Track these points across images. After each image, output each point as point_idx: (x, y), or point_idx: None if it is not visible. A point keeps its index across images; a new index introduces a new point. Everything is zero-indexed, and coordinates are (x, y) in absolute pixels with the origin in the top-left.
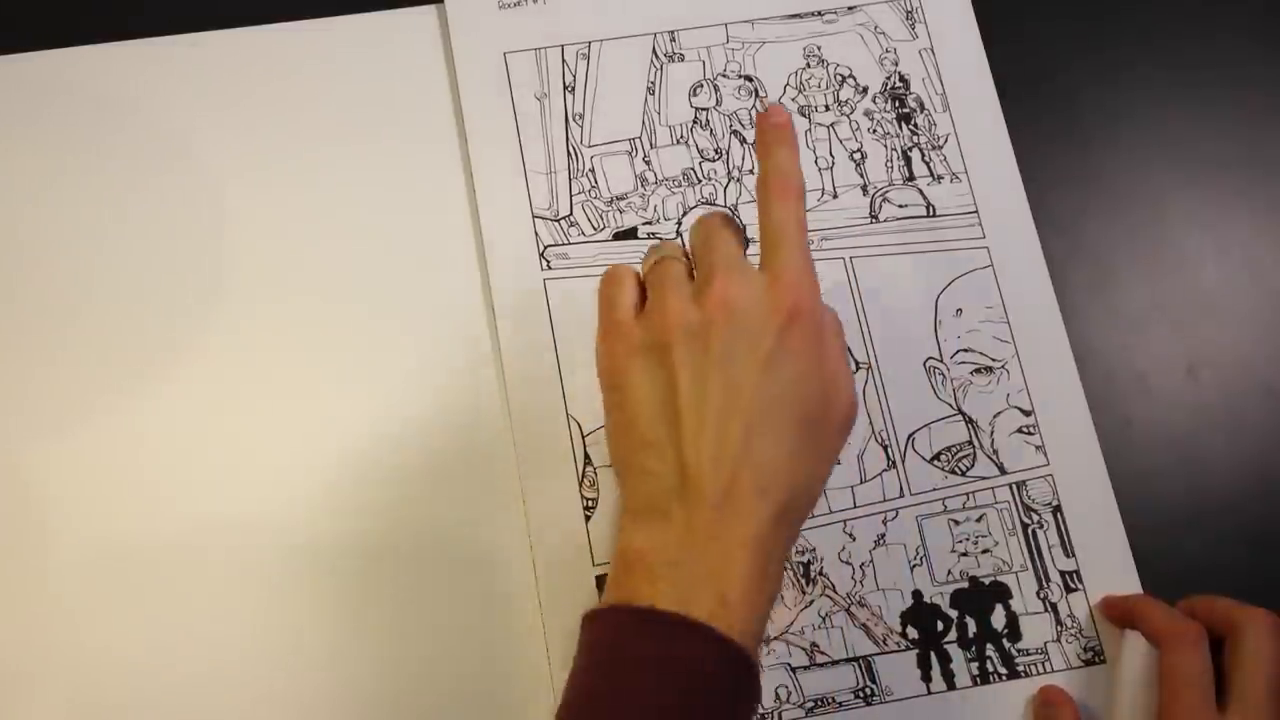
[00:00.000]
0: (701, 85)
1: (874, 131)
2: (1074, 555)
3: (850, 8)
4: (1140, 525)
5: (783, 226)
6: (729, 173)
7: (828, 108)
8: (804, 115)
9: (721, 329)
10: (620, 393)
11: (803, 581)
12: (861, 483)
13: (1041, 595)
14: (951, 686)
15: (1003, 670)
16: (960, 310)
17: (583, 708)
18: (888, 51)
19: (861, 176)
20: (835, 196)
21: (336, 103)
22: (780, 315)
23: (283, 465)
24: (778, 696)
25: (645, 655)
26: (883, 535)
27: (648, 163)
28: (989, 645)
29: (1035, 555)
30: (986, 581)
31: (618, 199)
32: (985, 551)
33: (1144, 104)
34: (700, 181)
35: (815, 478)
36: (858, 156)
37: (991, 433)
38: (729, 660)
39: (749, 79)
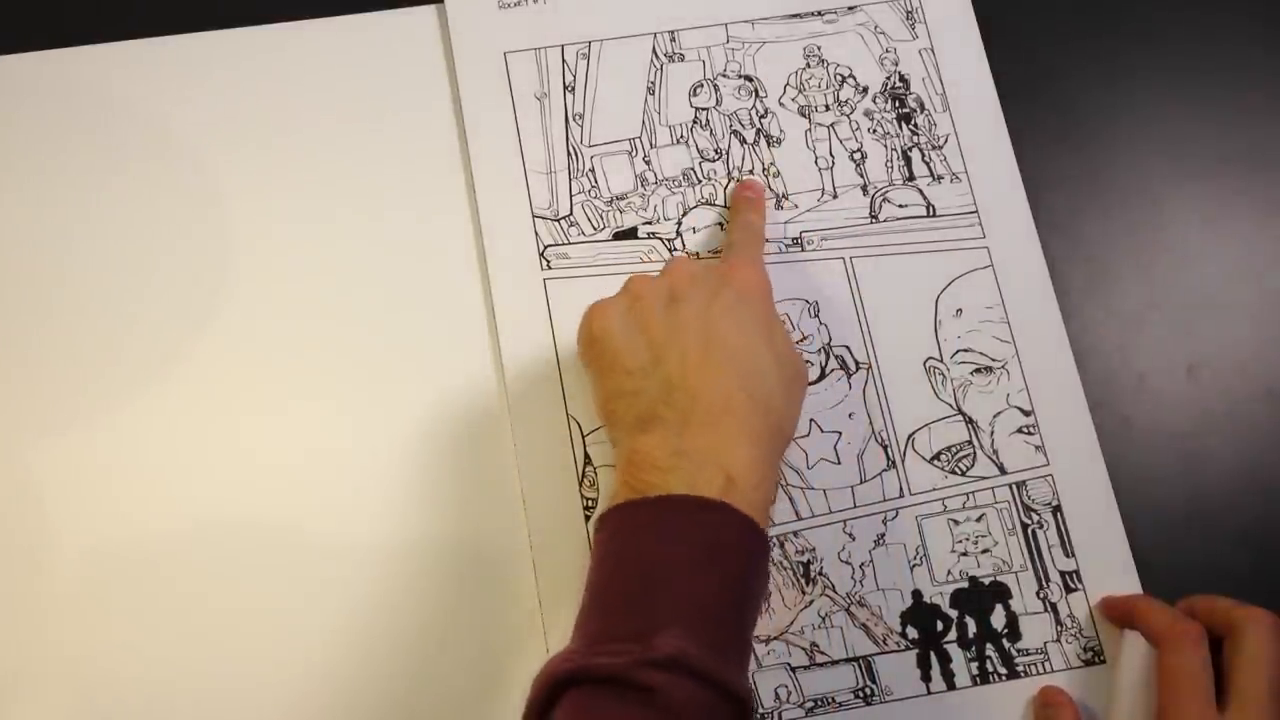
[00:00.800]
0: (701, 85)
1: (874, 131)
2: (1074, 555)
3: (850, 8)
4: (1140, 525)
5: (738, 231)
6: (729, 173)
7: (828, 108)
8: (804, 115)
9: (683, 281)
10: (600, 343)
11: (803, 581)
12: (861, 483)
13: (1041, 595)
14: (951, 686)
15: (1002, 670)
16: (960, 310)
17: (607, 578)
18: (888, 51)
19: (861, 176)
20: (835, 196)
21: (336, 103)
22: (734, 279)
23: (283, 466)
24: (778, 696)
25: (665, 532)
26: (883, 535)
27: (648, 163)
28: (989, 645)
29: (1035, 555)
30: (986, 581)
31: (618, 199)
32: (985, 551)
33: (1144, 104)
34: (700, 181)
35: (789, 397)
36: (858, 156)
37: (991, 433)
38: (743, 529)
39: (749, 79)
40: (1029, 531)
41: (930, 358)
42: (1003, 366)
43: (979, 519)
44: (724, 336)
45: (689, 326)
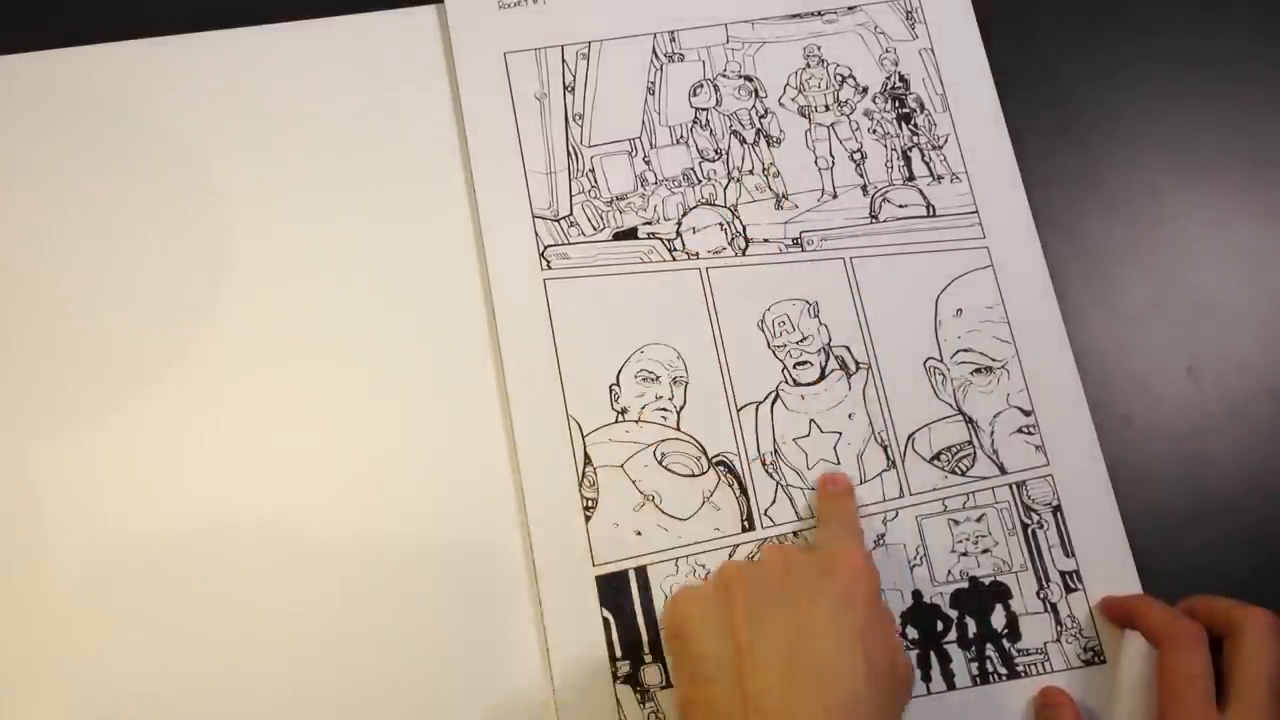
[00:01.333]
0: (701, 85)
1: (874, 131)
2: (1074, 555)
3: (850, 8)
4: (1140, 525)
5: (833, 518)
6: (729, 173)
7: (828, 108)
8: (804, 115)
9: (779, 575)
10: (683, 639)
11: None
12: (861, 483)
13: (1041, 595)
14: (951, 686)
15: (1003, 670)
16: (960, 310)
17: None
18: (888, 51)
19: (861, 176)
20: (835, 196)
21: (336, 103)
22: (836, 571)
23: (283, 466)
24: None
25: None
26: (883, 535)
27: (648, 163)
28: (989, 645)
29: (1035, 555)
30: (986, 581)
31: (618, 199)
32: (985, 551)
33: (1144, 103)
34: (700, 181)
35: (885, 714)
36: (858, 156)
37: (991, 433)
38: None
39: (749, 79)
40: (1029, 531)
41: (930, 358)
42: (1003, 366)
43: (979, 519)
44: (817, 652)
45: (778, 635)
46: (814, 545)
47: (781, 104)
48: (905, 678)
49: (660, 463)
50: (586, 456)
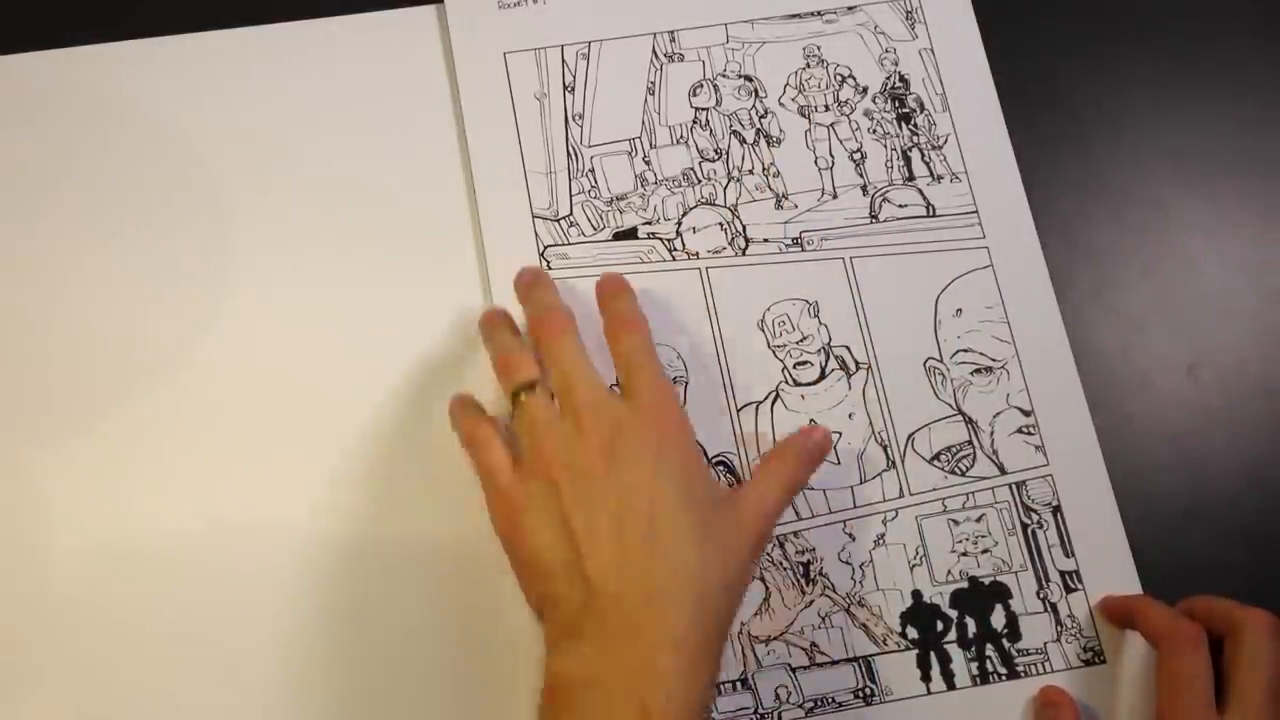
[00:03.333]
0: (701, 85)
1: (874, 131)
2: (1074, 555)
3: (850, 8)
4: (1140, 525)
5: (632, 354)
6: (729, 173)
7: (828, 108)
8: (804, 115)
9: (599, 457)
10: (519, 539)
11: (802, 581)
12: (861, 483)
13: (1041, 595)
14: (951, 686)
15: (1002, 670)
16: (960, 310)
17: None
18: (888, 51)
19: (861, 176)
20: (835, 196)
21: (336, 102)
22: (652, 435)
23: (283, 466)
24: (777, 696)
25: None
26: (883, 535)
27: (648, 163)
28: (989, 645)
29: (1035, 555)
30: (986, 581)
31: (618, 199)
32: (985, 551)
33: (1144, 104)
34: (700, 181)
35: (729, 575)
36: (858, 156)
37: (991, 433)
38: None
39: (749, 79)
40: (1029, 531)
41: (930, 358)
42: (1003, 366)
43: (979, 519)
44: (651, 523)
45: (612, 517)
46: (622, 388)
47: (781, 104)
48: (744, 528)
49: None
50: None
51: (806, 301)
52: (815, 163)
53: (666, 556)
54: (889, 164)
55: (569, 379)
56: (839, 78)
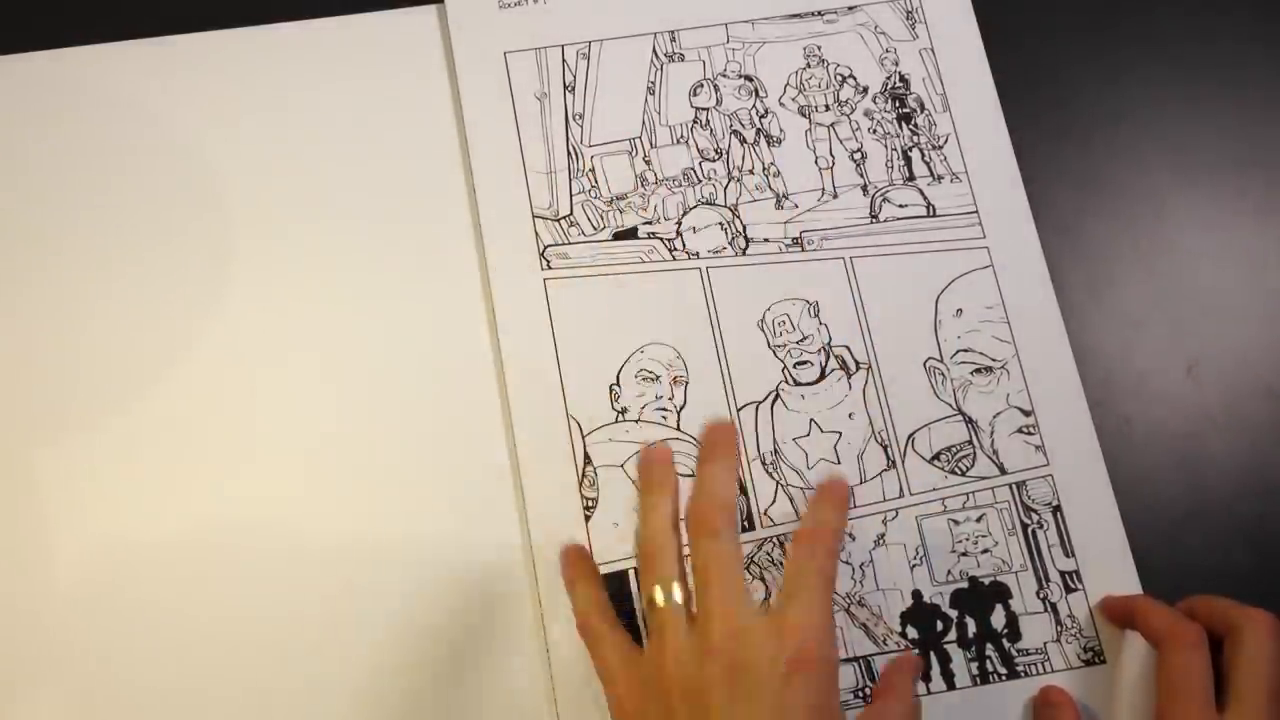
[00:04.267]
0: (701, 85)
1: (874, 131)
2: (1074, 555)
3: (850, 8)
4: (1140, 525)
5: (801, 575)
6: (729, 173)
7: (828, 108)
8: (804, 115)
9: (720, 687)
10: None
11: None
12: (861, 483)
13: (1041, 595)
14: (951, 686)
15: (1002, 670)
16: (960, 310)
17: None
18: (888, 51)
19: (861, 176)
20: (835, 196)
21: (337, 102)
22: (783, 664)
23: (283, 466)
24: None
25: None
26: (883, 535)
27: (648, 163)
28: (989, 645)
29: (1035, 555)
30: (986, 581)
31: (618, 199)
32: (985, 551)
33: (1144, 104)
34: (700, 181)
35: None
36: (858, 156)
37: (991, 433)
38: None
39: (749, 79)
40: (1029, 531)
41: (930, 358)
42: (1003, 366)
43: (979, 519)
44: None
45: None
46: (772, 607)
47: (781, 104)
48: None
49: None
50: (586, 456)
51: (806, 301)
52: (815, 163)
53: None
54: (889, 164)
55: (708, 577)
56: (839, 78)
